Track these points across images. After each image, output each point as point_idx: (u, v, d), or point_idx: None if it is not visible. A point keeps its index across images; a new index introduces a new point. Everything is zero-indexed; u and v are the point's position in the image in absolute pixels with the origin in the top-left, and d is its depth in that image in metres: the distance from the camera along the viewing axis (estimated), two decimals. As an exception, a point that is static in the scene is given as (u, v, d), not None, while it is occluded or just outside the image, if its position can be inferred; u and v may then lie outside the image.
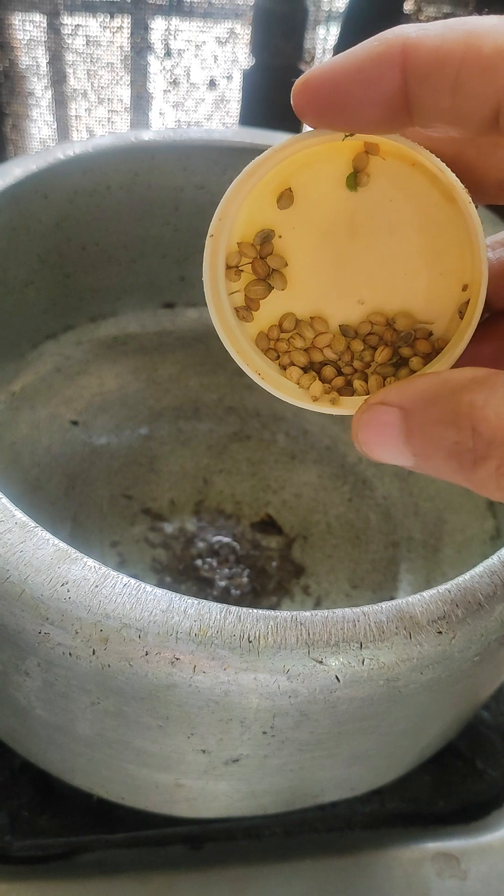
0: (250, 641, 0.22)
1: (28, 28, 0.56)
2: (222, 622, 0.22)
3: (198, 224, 0.45)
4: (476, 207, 0.19)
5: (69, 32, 0.57)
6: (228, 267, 0.22)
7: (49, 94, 0.60)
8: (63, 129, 0.62)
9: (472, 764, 0.38)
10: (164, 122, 0.62)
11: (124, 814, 0.34)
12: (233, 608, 0.23)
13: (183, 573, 0.42)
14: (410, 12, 0.53)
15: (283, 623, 0.22)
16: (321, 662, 0.22)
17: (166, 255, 0.46)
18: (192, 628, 0.22)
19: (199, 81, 0.59)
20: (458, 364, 0.21)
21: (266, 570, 0.43)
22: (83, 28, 0.56)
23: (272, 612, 0.23)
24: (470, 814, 0.37)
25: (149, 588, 0.23)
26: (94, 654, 0.22)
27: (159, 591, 0.23)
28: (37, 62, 0.58)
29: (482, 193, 0.21)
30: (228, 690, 0.22)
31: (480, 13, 0.17)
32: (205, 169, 0.43)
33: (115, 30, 0.57)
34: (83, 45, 0.57)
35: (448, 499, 0.44)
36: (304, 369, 0.22)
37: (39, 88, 0.59)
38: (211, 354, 0.49)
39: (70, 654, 0.22)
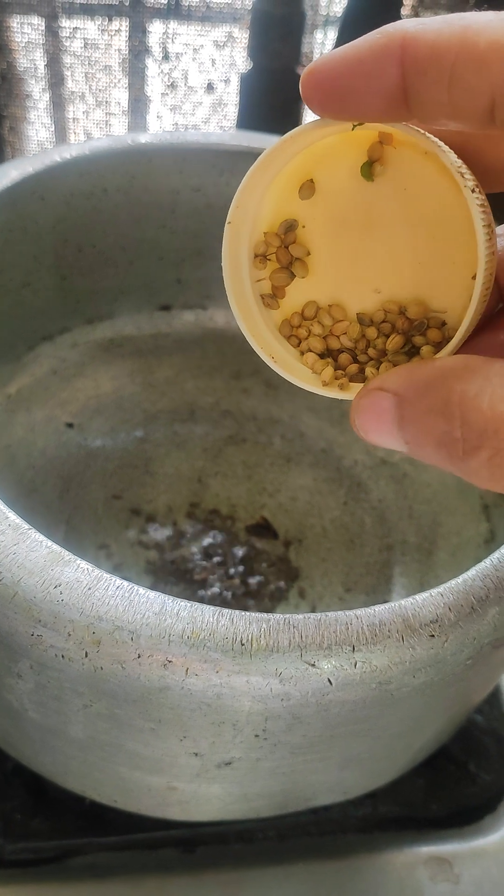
0: (243, 644, 0.22)
1: (26, 31, 0.56)
2: (215, 625, 0.22)
3: (194, 227, 0.45)
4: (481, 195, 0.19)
5: (67, 35, 0.57)
6: (256, 255, 0.23)
7: (47, 96, 0.60)
8: (60, 132, 0.62)
9: (465, 768, 0.38)
10: (161, 126, 0.62)
11: (117, 817, 0.34)
12: (225, 611, 0.23)
13: (177, 576, 0.42)
14: (407, 17, 0.53)
15: (276, 626, 0.22)
16: (313, 665, 0.22)
17: (163, 258, 0.46)
18: (185, 631, 0.22)
19: (196, 85, 0.59)
20: (473, 353, 0.21)
21: (261, 573, 0.43)
22: (81, 31, 0.56)
23: (265, 615, 0.23)
24: (463, 818, 0.37)
25: (142, 591, 0.23)
26: (86, 656, 0.22)
27: (152, 594, 0.23)
28: (35, 65, 0.58)
29: (493, 181, 0.21)
30: (221, 693, 0.22)
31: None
32: (202, 172, 0.43)
33: (112, 33, 0.57)
34: (81, 48, 0.57)
35: (443, 502, 0.44)
36: (322, 356, 0.23)
37: (37, 91, 0.59)
38: (207, 357, 0.49)
39: (63, 656, 0.22)
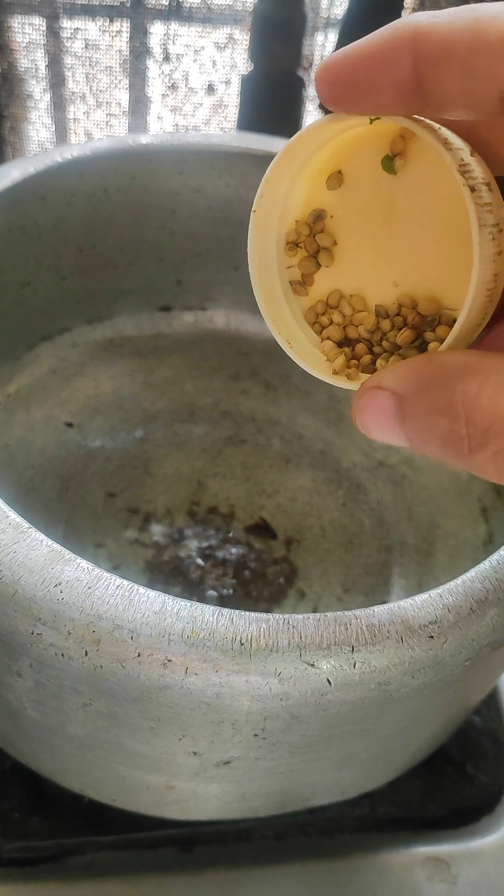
0: (242, 644, 0.22)
1: (27, 31, 0.56)
2: (214, 624, 0.22)
3: (194, 228, 0.45)
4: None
5: (68, 36, 0.57)
6: (287, 242, 0.23)
7: (47, 96, 0.60)
8: (61, 132, 0.62)
9: (462, 769, 0.38)
10: (161, 127, 0.62)
11: (115, 816, 0.34)
12: (225, 610, 0.23)
13: (176, 576, 0.42)
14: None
15: (275, 626, 0.22)
16: (313, 665, 0.22)
17: (163, 259, 0.47)
18: (185, 630, 0.22)
19: (197, 86, 0.59)
20: (488, 348, 0.21)
21: (259, 573, 0.43)
22: (82, 32, 0.57)
23: (264, 615, 0.23)
24: (460, 818, 0.37)
25: (142, 590, 0.23)
26: (86, 655, 0.22)
27: (152, 593, 0.23)
28: (35, 65, 0.58)
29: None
30: (220, 692, 0.22)
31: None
32: (202, 173, 0.43)
33: (114, 34, 0.57)
34: (82, 49, 0.57)
35: (441, 504, 0.44)
36: (340, 344, 0.23)
37: (38, 91, 0.60)
38: (207, 358, 0.49)
39: (62, 654, 0.22)
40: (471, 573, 0.25)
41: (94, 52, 0.58)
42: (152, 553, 0.43)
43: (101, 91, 0.60)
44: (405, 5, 0.54)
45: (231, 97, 0.60)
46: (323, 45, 0.58)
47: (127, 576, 0.38)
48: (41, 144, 0.62)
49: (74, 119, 0.61)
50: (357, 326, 0.23)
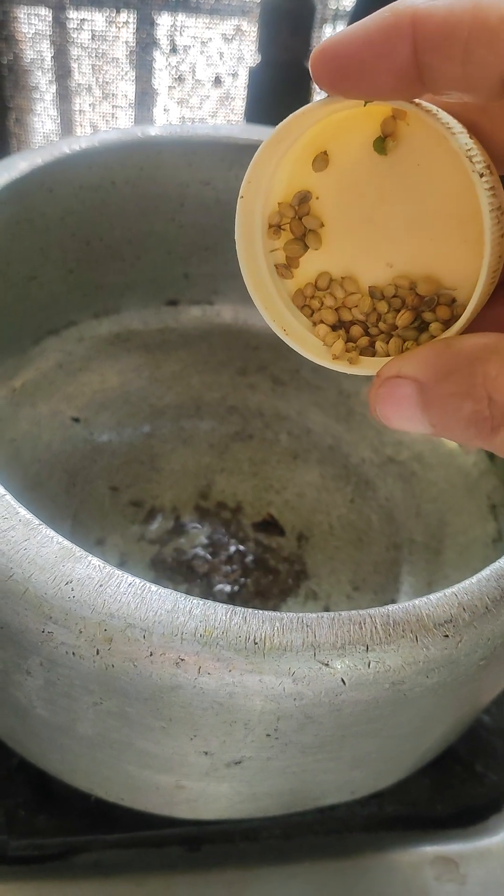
0: (256, 643, 0.22)
1: (33, 21, 0.56)
2: (228, 623, 0.22)
3: (203, 221, 0.45)
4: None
5: (74, 27, 0.56)
6: (270, 226, 0.23)
7: (53, 88, 0.59)
8: (66, 124, 0.62)
9: (471, 768, 0.38)
10: (168, 119, 0.61)
11: (122, 814, 0.34)
12: (238, 609, 0.22)
13: (183, 572, 0.42)
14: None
15: (289, 625, 0.22)
16: (327, 665, 0.22)
17: (171, 252, 0.46)
18: (198, 629, 0.22)
19: (204, 78, 0.59)
20: (489, 328, 0.21)
21: (267, 570, 0.42)
22: (88, 22, 0.56)
23: (278, 614, 0.22)
24: (469, 818, 0.37)
25: (154, 588, 0.22)
26: (97, 653, 0.22)
27: (164, 591, 0.22)
28: (41, 56, 0.58)
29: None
30: (233, 692, 0.22)
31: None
32: (210, 165, 0.43)
33: (120, 25, 0.56)
34: (88, 40, 0.57)
35: (450, 501, 0.43)
36: (334, 328, 0.23)
37: (44, 83, 0.59)
38: (214, 353, 0.49)
39: (73, 653, 0.22)
40: (486, 571, 0.25)
41: (101, 44, 0.57)
42: (159, 549, 0.43)
43: (107, 83, 0.59)
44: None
45: (238, 89, 0.59)
46: (331, 37, 0.57)
47: (134, 571, 0.37)
48: (46, 136, 0.62)
49: (80, 111, 0.61)
50: (350, 309, 0.23)
